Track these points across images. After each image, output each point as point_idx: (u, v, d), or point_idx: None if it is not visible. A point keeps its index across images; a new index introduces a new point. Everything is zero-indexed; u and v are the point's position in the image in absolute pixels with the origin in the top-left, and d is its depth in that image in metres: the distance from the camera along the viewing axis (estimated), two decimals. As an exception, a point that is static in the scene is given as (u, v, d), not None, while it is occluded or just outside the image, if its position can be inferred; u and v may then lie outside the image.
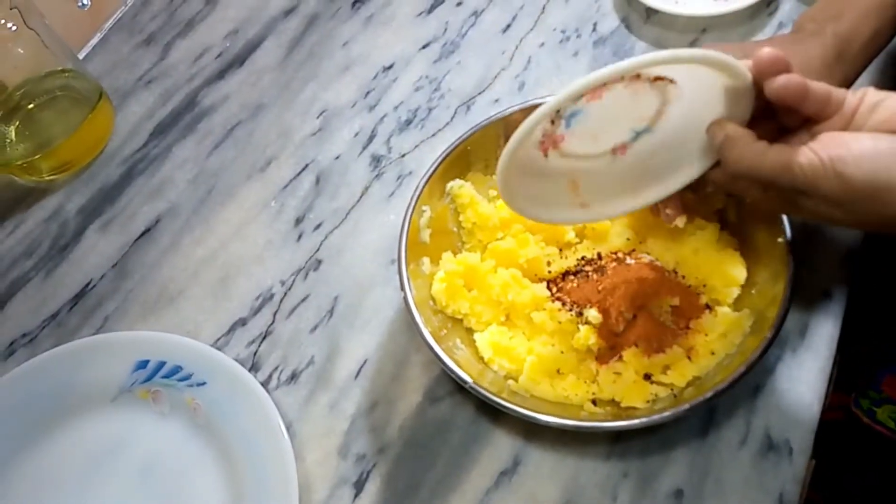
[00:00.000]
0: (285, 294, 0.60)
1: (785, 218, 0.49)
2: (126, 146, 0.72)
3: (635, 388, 0.48)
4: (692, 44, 0.69)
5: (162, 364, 0.56)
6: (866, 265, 0.55)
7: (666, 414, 0.44)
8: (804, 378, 0.51)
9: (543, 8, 0.74)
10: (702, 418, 0.50)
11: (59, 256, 0.66)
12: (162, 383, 0.56)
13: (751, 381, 0.50)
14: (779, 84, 0.37)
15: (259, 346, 0.58)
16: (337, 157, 0.68)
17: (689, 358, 0.48)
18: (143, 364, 0.56)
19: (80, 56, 0.79)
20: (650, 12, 0.71)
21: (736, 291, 0.51)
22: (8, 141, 0.68)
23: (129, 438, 0.55)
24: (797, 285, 0.47)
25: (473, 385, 0.46)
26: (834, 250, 0.55)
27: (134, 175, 0.70)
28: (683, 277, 0.52)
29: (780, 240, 0.49)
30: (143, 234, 0.66)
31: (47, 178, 0.70)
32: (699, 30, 0.70)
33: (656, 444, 0.49)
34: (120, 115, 0.74)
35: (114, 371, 0.56)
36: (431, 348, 0.48)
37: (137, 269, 0.64)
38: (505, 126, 0.57)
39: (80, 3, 0.71)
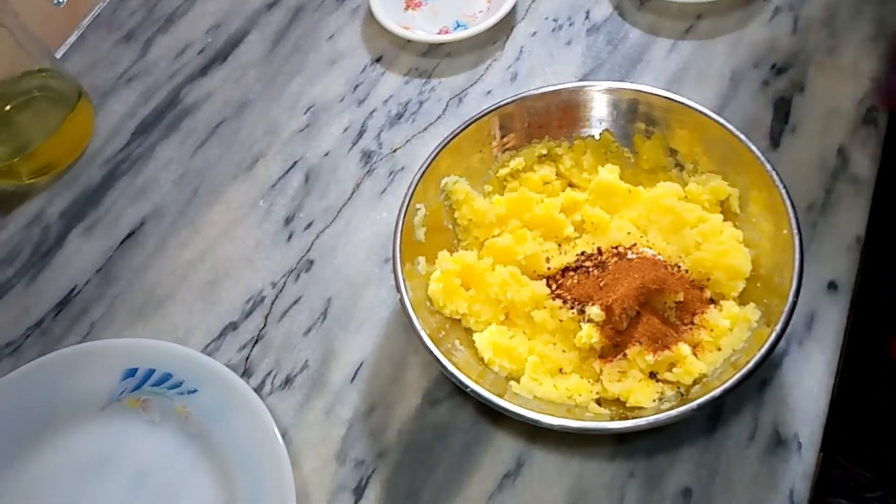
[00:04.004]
0: (276, 296, 0.59)
1: (790, 207, 0.47)
2: (108, 147, 0.69)
3: (641, 387, 0.47)
4: (687, 31, 0.68)
5: (151, 372, 0.54)
6: (873, 254, 0.54)
7: (672, 414, 0.42)
8: (811, 371, 0.50)
9: (534, -4, 0.73)
10: (709, 415, 0.49)
11: (41, 262, 0.63)
12: (151, 391, 0.54)
13: (758, 376, 0.49)
14: None
15: (251, 350, 0.56)
16: (326, 154, 0.66)
17: (695, 355, 0.47)
18: (131, 372, 0.54)
19: (58, 55, 0.76)
20: (644, -1, 0.70)
21: (741, 285, 0.49)
22: (-15, 144, 0.66)
23: (119, 449, 0.53)
24: (802, 276, 0.46)
25: (474, 389, 0.45)
26: (839, 239, 0.54)
27: (117, 176, 0.67)
28: (687, 272, 0.51)
29: (784, 231, 0.47)
30: (127, 237, 0.64)
31: (27, 181, 0.68)
32: (694, 16, 0.68)
33: (663, 442, 0.48)
34: (100, 115, 0.71)
35: (102, 380, 0.55)
36: (430, 351, 0.46)
37: (123, 273, 0.62)
38: (497, 119, 0.55)
39: (55, 1, 0.68)
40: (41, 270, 0.63)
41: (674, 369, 0.47)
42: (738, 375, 0.43)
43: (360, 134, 0.67)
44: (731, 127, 0.51)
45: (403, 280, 0.49)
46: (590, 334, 0.48)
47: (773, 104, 0.62)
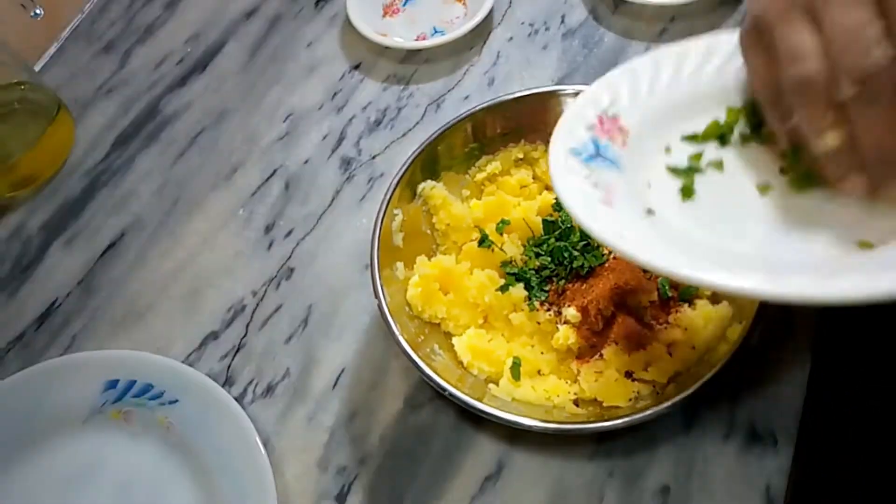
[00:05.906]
0: (257, 305, 0.59)
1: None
2: (88, 158, 0.69)
3: (617, 387, 0.47)
4: (661, 33, 0.68)
5: (132, 383, 0.54)
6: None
7: (648, 412, 0.43)
8: (786, 367, 0.50)
9: (510, 2, 0.73)
10: (685, 413, 0.49)
11: (22, 276, 0.63)
12: (133, 403, 0.54)
13: (733, 373, 0.49)
14: None
15: (232, 359, 0.57)
16: (306, 162, 0.66)
17: (669, 353, 0.48)
18: (112, 384, 0.54)
19: (37, 67, 0.76)
20: (618, 2, 0.70)
21: (714, 283, 0.50)
22: (-36, 158, 0.66)
23: (102, 460, 0.53)
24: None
25: (453, 392, 0.45)
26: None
27: (97, 188, 0.68)
28: (661, 271, 0.51)
29: (756, 229, 0.48)
30: (108, 248, 0.64)
31: (7, 195, 0.68)
32: (667, 19, 0.69)
33: (641, 441, 0.49)
34: (80, 127, 0.72)
35: (84, 392, 0.55)
36: (409, 356, 0.47)
37: (104, 285, 0.62)
38: (473, 124, 0.56)
39: (32, 13, 0.68)
40: (22, 284, 0.63)
41: (649, 368, 0.47)
42: (710, 372, 0.43)
43: (340, 141, 0.67)
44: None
45: (381, 286, 0.49)
46: (566, 335, 0.49)
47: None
